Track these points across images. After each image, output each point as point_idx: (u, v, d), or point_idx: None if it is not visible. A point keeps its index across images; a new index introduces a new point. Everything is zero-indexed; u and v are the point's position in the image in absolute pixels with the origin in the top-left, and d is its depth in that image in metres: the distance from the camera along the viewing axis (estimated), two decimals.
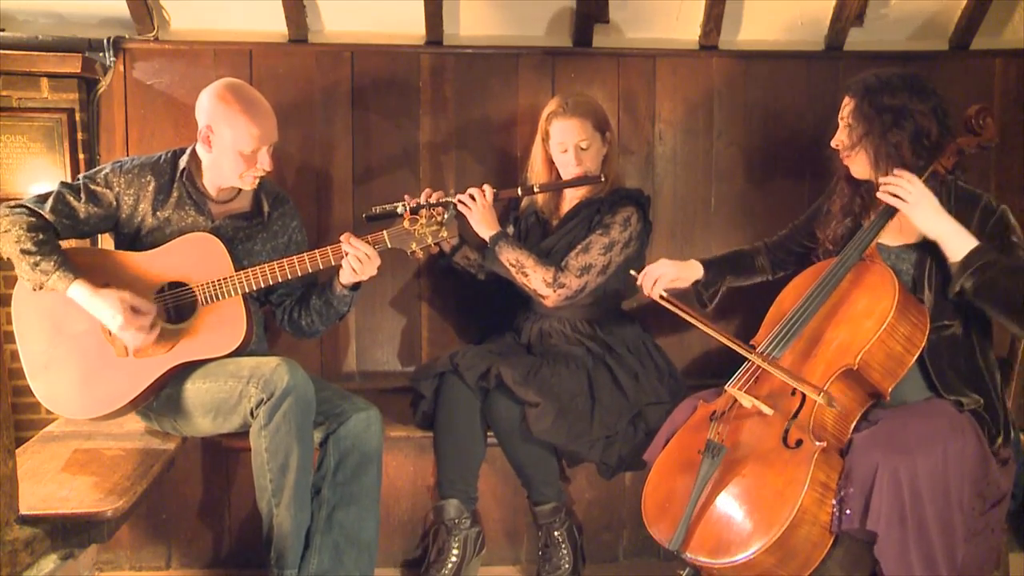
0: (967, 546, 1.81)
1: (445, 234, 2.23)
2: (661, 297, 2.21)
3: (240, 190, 2.37)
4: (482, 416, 2.43)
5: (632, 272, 2.31)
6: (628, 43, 2.97)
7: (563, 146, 2.49)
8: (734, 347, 2.00)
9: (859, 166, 2.08)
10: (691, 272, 2.33)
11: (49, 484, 2.03)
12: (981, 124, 2.04)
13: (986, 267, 1.84)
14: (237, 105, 2.21)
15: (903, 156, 2.00)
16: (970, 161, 2.09)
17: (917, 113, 1.99)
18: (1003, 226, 1.95)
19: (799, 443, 1.82)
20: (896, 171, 1.96)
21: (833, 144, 2.11)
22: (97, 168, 2.33)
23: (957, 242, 1.89)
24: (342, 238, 2.24)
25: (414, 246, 2.23)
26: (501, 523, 2.59)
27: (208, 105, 2.23)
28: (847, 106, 2.08)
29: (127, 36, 2.80)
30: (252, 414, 2.11)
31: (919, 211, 1.92)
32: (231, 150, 2.22)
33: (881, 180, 1.98)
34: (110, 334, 2.19)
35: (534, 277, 2.43)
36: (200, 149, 2.29)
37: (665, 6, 2.92)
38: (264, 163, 2.26)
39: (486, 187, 2.44)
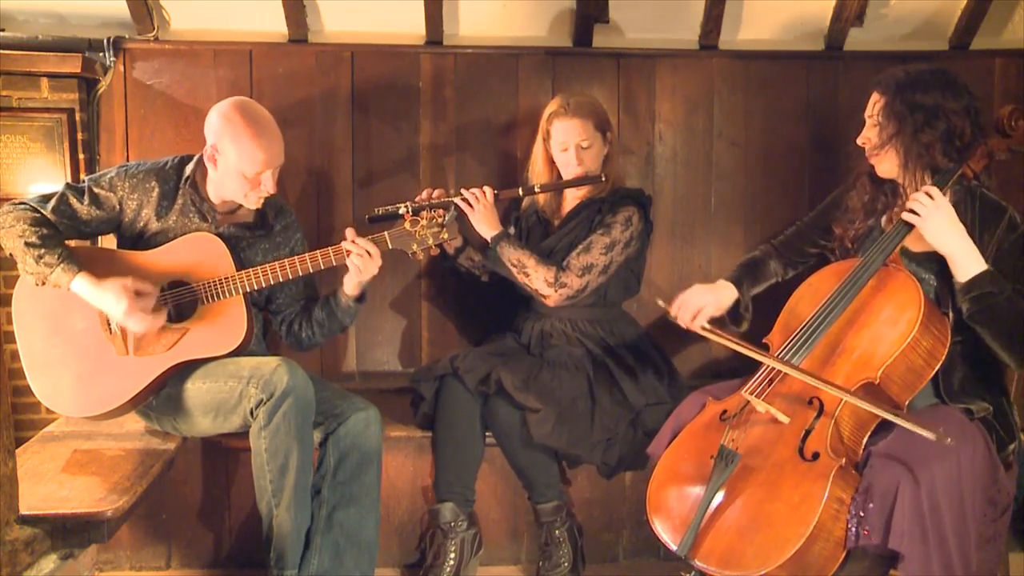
0: (979, 553, 1.78)
1: (446, 235, 2.22)
2: (703, 328, 2.10)
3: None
4: (481, 420, 2.42)
5: (660, 302, 2.18)
6: (628, 43, 2.97)
7: (564, 145, 2.49)
8: (762, 359, 1.94)
9: (887, 165, 2.00)
10: (727, 296, 2.22)
11: (49, 484, 2.03)
12: (1013, 126, 1.95)
13: (988, 296, 1.80)
14: (243, 127, 2.19)
15: (934, 157, 1.92)
16: (999, 165, 2.01)
17: (951, 112, 1.91)
18: (1021, 247, 1.89)
19: (816, 456, 1.77)
20: (922, 189, 1.90)
21: (860, 142, 2.03)
22: (103, 171, 2.33)
23: (964, 262, 1.84)
24: (347, 232, 2.23)
25: (415, 247, 2.22)
26: (501, 523, 2.59)
27: (216, 124, 2.22)
28: (877, 103, 1.99)
29: (127, 36, 2.80)
30: (252, 414, 2.11)
31: (931, 225, 1.85)
32: (235, 171, 2.21)
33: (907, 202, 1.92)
34: (110, 332, 2.19)
35: (535, 277, 2.43)
36: (207, 164, 2.28)
37: (665, 6, 2.92)
38: (268, 186, 2.24)
39: (486, 188, 2.44)
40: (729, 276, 2.28)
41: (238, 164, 2.20)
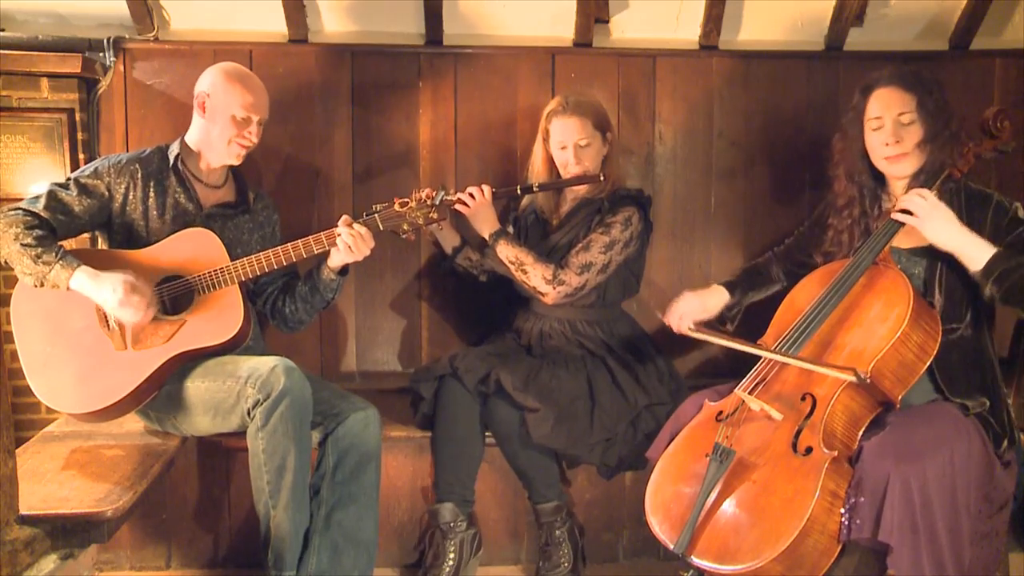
0: (974, 549, 1.80)
1: (435, 215, 2.28)
2: (690, 330, 2.20)
3: (227, 179, 2.44)
4: (481, 420, 2.42)
5: (659, 314, 2.32)
6: (628, 43, 2.97)
7: (562, 144, 2.49)
8: (756, 352, 1.98)
9: (907, 166, 2.00)
10: (716, 300, 2.30)
11: (49, 484, 2.03)
12: (999, 127, 1.98)
13: (1009, 272, 1.81)
14: (235, 75, 2.33)
15: (953, 156, 1.95)
16: (985, 165, 2.05)
17: (954, 110, 1.96)
18: (1017, 223, 1.92)
19: (809, 451, 1.79)
20: (912, 191, 1.93)
21: (891, 142, 1.99)
22: (84, 166, 2.36)
23: (974, 252, 1.85)
24: (341, 221, 2.27)
25: (406, 227, 2.28)
26: (501, 523, 2.59)
27: (209, 75, 2.36)
28: (908, 102, 1.98)
29: (127, 36, 2.80)
30: (249, 414, 2.11)
31: (931, 224, 1.88)
32: (224, 114, 2.30)
33: (897, 204, 1.95)
34: (108, 328, 2.19)
35: (534, 274, 2.43)
36: (194, 119, 2.37)
37: (665, 6, 2.92)
38: (254, 135, 2.32)
39: (484, 186, 2.44)
40: (725, 280, 2.35)
41: (227, 105, 2.30)
